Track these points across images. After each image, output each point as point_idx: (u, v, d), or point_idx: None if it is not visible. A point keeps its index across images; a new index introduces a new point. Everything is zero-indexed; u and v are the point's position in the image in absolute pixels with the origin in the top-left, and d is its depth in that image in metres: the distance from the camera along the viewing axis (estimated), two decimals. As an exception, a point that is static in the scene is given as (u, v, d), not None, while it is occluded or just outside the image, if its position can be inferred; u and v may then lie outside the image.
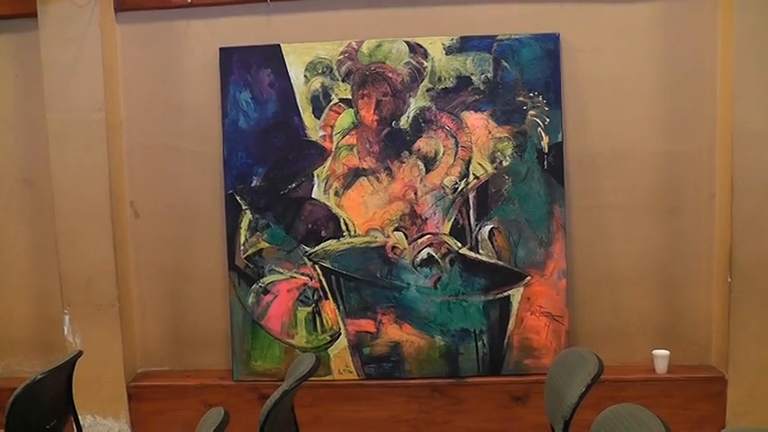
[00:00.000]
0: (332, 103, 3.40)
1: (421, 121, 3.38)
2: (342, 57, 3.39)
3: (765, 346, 3.25)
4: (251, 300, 3.47)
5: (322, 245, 3.44)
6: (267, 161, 3.43)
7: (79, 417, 2.81)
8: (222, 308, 3.56)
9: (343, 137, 3.41)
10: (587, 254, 3.47)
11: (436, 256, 3.40)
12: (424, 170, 3.39)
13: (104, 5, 3.41)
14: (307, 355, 2.45)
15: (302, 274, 3.45)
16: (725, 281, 3.32)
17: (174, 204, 3.60)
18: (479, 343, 3.41)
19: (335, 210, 3.43)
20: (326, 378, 3.45)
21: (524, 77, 3.35)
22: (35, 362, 3.66)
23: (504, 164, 3.37)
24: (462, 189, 3.38)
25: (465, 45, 3.36)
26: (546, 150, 3.35)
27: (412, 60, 3.38)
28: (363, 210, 3.42)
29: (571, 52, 3.39)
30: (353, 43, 3.39)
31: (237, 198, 3.45)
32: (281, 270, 3.46)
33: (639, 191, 3.44)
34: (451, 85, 3.37)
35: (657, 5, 3.37)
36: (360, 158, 3.41)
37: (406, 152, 3.39)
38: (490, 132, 3.36)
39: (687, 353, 3.48)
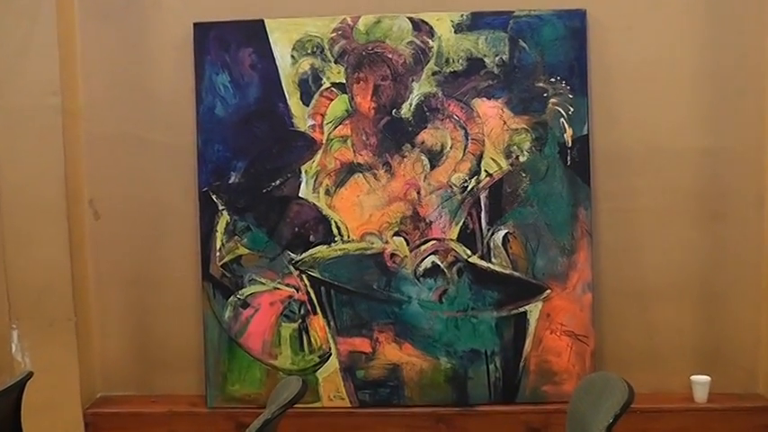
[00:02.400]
0: (323, 88, 3.41)
1: (425, 109, 3.39)
2: (335, 34, 3.40)
3: (821, 373, 3.25)
4: (228, 314, 3.48)
5: (310, 251, 3.44)
6: (248, 154, 3.44)
7: (27, 448, 2.80)
8: (194, 323, 3.55)
9: (336, 127, 3.42)
10: (616, 264, 3.47)
11: (442, 266, 3.40)
12: (428, 166, 3.40)
13: (61, -27, 3.41)
14: (292, 378, 2.47)
15: (287, 284, 3.46)
16: (775, 296, 3.33)
17: (141, 204, 3.59)
18: (491, 366, 3.42)
19: (326, 211, 3.43)
20: (314, 405, 3.45)
21: (545, 60, 3.35)
22: (-22, 384, 3.65)
23: (521, 159, 3.38)
24: (472, 188, 3.39)
25: (477, 22, 3.36)
26: (569, 144, 3.36)
27: (415, 39, 3.38)
28: (358, 211, 3.42)
29: (599, 31, 3.39)
30: (348, 19, 3.40)
31: (213, 197, 3.46)
32: (262, 280, 3.46)
33: (677, 192, 3.44)
34: (461, 68, 3.37)
35: (699, -22, 3.39)
36: (354, 152, 3.42)
37: (408, 145, 3.40)
38: (505, 123, 3.37)
39: (731, 379, 3.47)
